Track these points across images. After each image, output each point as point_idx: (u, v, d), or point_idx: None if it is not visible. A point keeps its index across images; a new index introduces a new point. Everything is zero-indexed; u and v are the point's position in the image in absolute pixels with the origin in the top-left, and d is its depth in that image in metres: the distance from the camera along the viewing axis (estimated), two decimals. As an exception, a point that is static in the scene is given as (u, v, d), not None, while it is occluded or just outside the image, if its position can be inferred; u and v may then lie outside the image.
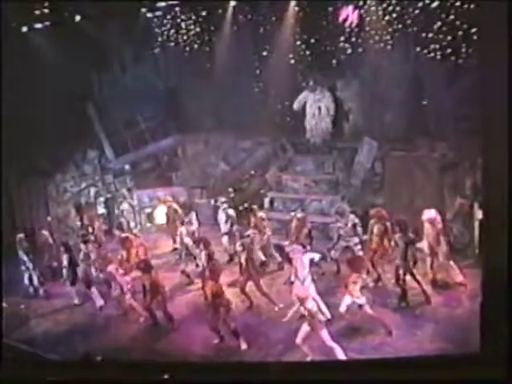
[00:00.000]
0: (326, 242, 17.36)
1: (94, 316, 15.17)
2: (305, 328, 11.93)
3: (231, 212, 17.65)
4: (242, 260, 14.81)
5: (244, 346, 12.91)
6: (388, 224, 14.90)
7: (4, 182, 17.27)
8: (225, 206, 17.75)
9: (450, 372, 10.12)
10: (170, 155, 23.00)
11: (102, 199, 21.10)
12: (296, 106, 19.38)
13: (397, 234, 14.32)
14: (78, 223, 19.92)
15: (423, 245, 14.99)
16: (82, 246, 15.80)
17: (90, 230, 17.84)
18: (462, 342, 12.27)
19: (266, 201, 19.30)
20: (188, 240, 16.50)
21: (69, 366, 11.62)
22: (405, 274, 14.22)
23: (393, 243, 14.55)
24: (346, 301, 12.85)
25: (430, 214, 14.98)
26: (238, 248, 15.26)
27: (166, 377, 10.56)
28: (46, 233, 17.36)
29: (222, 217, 17.67)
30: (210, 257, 14.95)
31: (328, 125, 19.39)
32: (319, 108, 19.22)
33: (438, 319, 13.60)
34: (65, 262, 15.51)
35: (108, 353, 12.82)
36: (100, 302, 15.36)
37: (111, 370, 10.70)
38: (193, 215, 18.34)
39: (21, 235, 16.35)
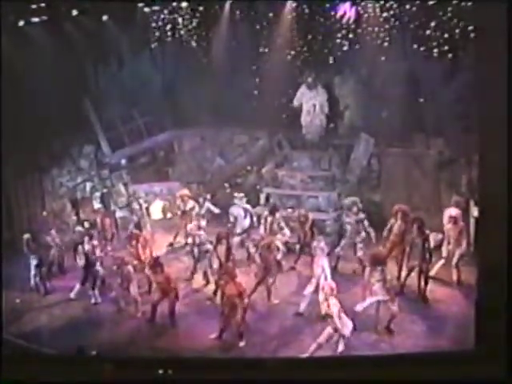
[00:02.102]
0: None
1: (89, 311, 15.15)
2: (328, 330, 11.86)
3: (250, 207, 17.61)
4: (257, 260, 14.77)
5: (242, 343, 12.89)
6: (409, 221, 14.96)
7: (3, 178, 17.18)
8: (243, 201, 17.57)
9: (445, 369, 10.17)
10: (167, 150, 22.96)
11: (97, 194, 21.01)
12: (296, 102, 19.30)
13: (414, 232, 14.35)
14: (74, 218, 19.85)
15: (442, 249, 15.06)
16: (87, 242, 15.68)
17: (97, 224, 17.72)
18: (457, 339, 12.34)
19: (262, 197, 19.26)
20: (203, 236, 16.12)
21: (64, 361, 11.64)
22: (420, 273, 14.33)
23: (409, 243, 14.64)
24: (368, 301, 12.87)
25: (451, 212, 15.02)
26: (254, 250, 15.24)
27: (160, 372, 10.60)
28: (53, 232, 17.23)
29: (239, 212, 17.41)
30: (229, 252, 14.96)
31: (322, 122, 19.32)
32: (314, 105, 19.19)
33: (434, 316, 13.66)
34: (81, 263, 15.42)
35: (103, 347, 12.82)
36: (97, 299, 15.34)
37: (106, 364, 10.72)
38: (209, 206, 18.17)
39: (27, 235, 16.23)
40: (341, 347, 11.80)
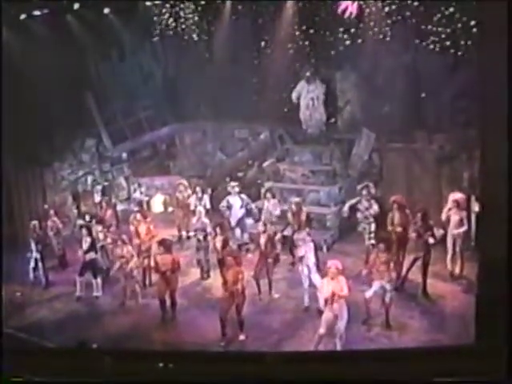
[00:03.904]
0: (322, 232, 17.45)
1: (90, 304, 15.18)
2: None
3: (245, 197, 17.69)
4: (262, 243, 14.75)
5: (242, 336, 12.95)
6: (408, 211, 14.93)
7: (4, 171, 17.20)
8: (237, 189, 17.67)
9: (446, 363, 10.19)
10: (168, 144, 23.02)
11: (99, 187, 21.02)
12: (294, 96, 19.30)
13: (418, 223, 14.34)
14: (75, 211, 19.91)
15: (448, 242, 15.05)
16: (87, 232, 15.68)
17: (98, 216, 17.71)
18: (457, 334, 12.34)
19: (263, 191, 19.23)
20: (206, 221, 16.21)
21: (64, 354, 11.66)
22: (424, 265, 14.28)
23: (414, 234, 14.53)
24: (375, 286, 12.92)
25: (457, 195, 15.03)
26: (261, 228, 15.09)
27: (161, 365, 10.62)
28: (54, 224, 17.24)
29: (235, 202, 17.48)
30: (225, 242, 14.98)
31: (322, 116, 19.29)
32: (312, 99, 19.17)
33: (434, 311, 13.67)
34: (85, 246, 15.37)
35: (104, 341, 12.85)
36: (99, 292, 15.38)
37: (106, 357, 10.75)
38: (207, 199, 18.14)
39: (35, 222, 16.29)
40: (341, 328, 11.79)
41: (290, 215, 16.41)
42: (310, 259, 13.84)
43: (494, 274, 10.35)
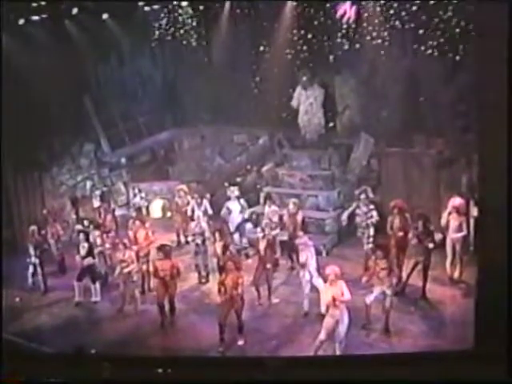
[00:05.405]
0: (321, 236, 17.42)
1: (89, 310, 15.16)
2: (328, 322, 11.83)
3: (244, 203, 17.63)
4: (261, 248, 14.72)
5: (241, 341, 12.92)
6: (408, 216, 14.91)
7: (3, 176, 17.21)
8: (236, 193, 17.62)
9: (445, 368, 10.19)
10: (167, 149, 22.99)
11: (97, 192, 20.95)
12: (294, 103, 19.30)
13: (419, 228, 14.32)
14: (74, 216, 19.86)
15: (447, 246, 15.03)
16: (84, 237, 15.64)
17: (97, 220, 17.66)
18: (456, 339, 12.32)
19: (262, 196, 19.22)
20: (205, 226, 16.24)
21: (63, 359, 11.65)
22: (424, 270, 14.26)
23: (414, 239, 14.50)
24: (376, 291, 12.89)
25: (456, 200, 15.00)
26: (260, 233, 15.03)
27: (160, 371, 10.62)
28: (53, 230, 17.21)
29: (235, 206, 17.40)
30: (226, 248, 14.94)
31: (321, 120, 19.28)
32: (311, 104, 19.18)
33: (433, 316, 13.65)
34: (83, 252, 15.31)
35: (102, 346, 12.82)
36: (97, 297, 15.36)
37: (105, 363, 10.74)
38: (206, 204, 18.13)
39: (33, 227, 16.27)
40: (342, 333, 11.72)
41: (286, 217, 16.39)
42: (312, 264, 13.81)
43: (493, 278, 10.37)
